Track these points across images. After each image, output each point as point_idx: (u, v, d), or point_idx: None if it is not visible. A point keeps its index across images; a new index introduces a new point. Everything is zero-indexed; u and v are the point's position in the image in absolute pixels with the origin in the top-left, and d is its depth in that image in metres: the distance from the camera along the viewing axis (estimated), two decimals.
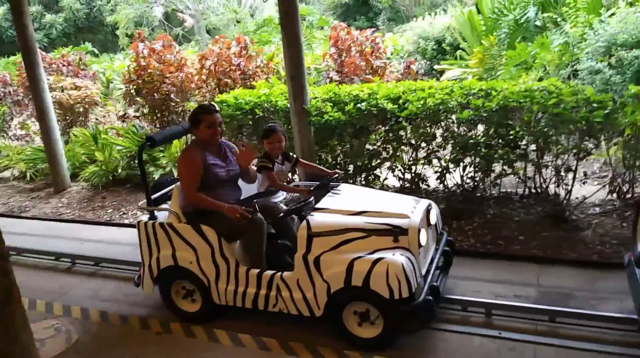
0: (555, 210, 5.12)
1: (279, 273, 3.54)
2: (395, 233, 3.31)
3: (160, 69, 8.90)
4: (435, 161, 5.60)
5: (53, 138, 7.84)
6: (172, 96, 8.90)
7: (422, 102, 5.26)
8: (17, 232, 6.25)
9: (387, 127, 5.55)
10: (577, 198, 5.37)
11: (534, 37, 8.86)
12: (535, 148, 5.17)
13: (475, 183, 5.60)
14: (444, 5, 17.52)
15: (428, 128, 5.43)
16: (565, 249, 4.60)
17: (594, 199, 5.43)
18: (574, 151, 4.95)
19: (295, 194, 4.23)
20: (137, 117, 9.61)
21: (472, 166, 5.47)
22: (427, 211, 3.63)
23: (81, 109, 10.41)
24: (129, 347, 3.79)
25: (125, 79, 9.36)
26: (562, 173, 5.09)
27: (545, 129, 4.90)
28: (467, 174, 5.60)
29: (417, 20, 15.68)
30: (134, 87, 9.17)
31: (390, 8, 22.93)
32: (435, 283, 3.50)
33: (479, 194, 5.64)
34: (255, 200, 3.97)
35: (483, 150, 5.21)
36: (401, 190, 5.82)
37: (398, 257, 3.20)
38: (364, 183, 5.91)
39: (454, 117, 5.33)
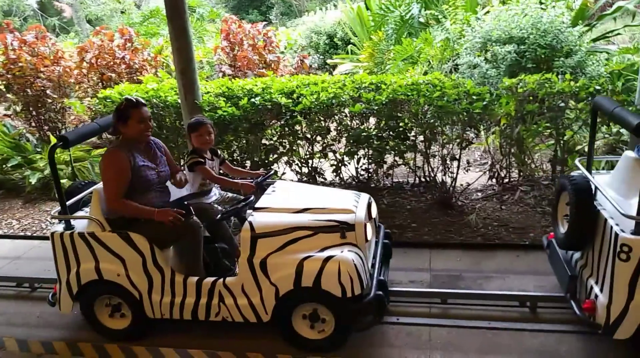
0: (443, 197, 5.42)
1: (221, 280, 3.32)
2: (342, 229, 3.22)
3: (33, 62, 8.12)
4: (330, 155, 5.68)
5: None
6: (48, 91, 8.16)
7: (315, 96, 5.31)
8: None
9: (282, 122, 5.52)
10: (461, 184, 5.72)
11: (418, 33, 9.32)
12: (423, 139, 5.42)
13: (370, 175, 5.77)
14: (334, 0, 17.85)
15: (322, 122, 5.49)
16: (453, 233, 4.89)
17: (477, 185, 5.83)
18: (458, 140, 5.27)
19: (228, 195, 4.00)
20: (8, 116, 8.69)
21: (366, 158, 5.63)
22: (369, 205, 3.57)
23: None
24: None
25: None
26: (448, 162, 5.39)
27: (432, 121, 5.15)
28: (361, 166, 5.75)
29: (309, 14, 15.84)
30: (4, 82, 8.28)
31: (282, 2, 22.92)
32: (382, 278, 3.43)
33: (373, 185, 5.82)
34: (186, 202, 3.68)
35: (375, 142, 5.38)
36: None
37: (348, 254, 3.12)
38: None
39: (346, 110, 5.43)
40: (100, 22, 21.70)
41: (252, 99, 5.39)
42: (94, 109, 5.99)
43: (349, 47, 12.16)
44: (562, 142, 5.22)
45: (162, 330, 3.68)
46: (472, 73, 7.00)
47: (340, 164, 5.67)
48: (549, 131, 5.22)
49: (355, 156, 5.59)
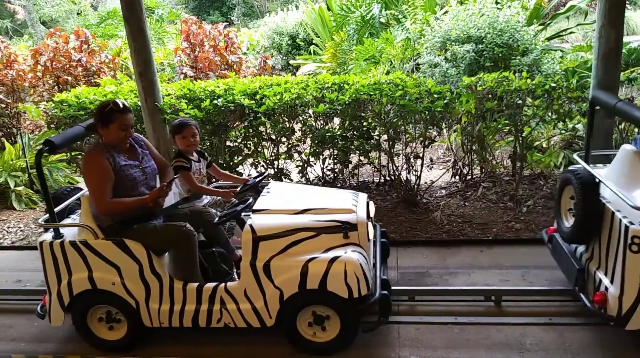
0: (408, 195, 5.48)
1: (222, 285, 3.23)
2: (345, 230, 3.17)
3: None
4: (296, 155, 5.67)
5: None
6: (1, 96, 7.85)
7: (278, 97, 5.28)
8: None
9: (246, 124, 5.47)
10: (425, 182, 5.80)
11: (379, 33, 9.40)
12: (386, 138, 5.47)
13: (335, 174, 5.79)
14: (296, 1, 17.84)
15: (287, 123, 5.47)
16: (419, 231, 4.95)
17: (441, 182, 5.93)
18: (421, 139, 5.34)
19: (218, 197, 3.89)
20: None
21: (331, 158, 5.64)
22: (367, 204, 3.53)
23: None
24: None
25: None
26: (412, 160, 5.46)
27: (395, 120, 5.20)
28: (327, 167, 5.75)
29: (270, 15, 15.77)
30: None
31: (244, 3, 22.76)
32: (384, 277, 3.40)
33: (339, 185, 5.83)
34: (180, 206, 3.58)
35: (340, 142, 5.40)
36: None
37: (353, 254, 3.08)
38: None
39: (310, 111, 5.43)
40: (55, 24, 21.00)
41: (215, 101, 5.32)
42: (50, 113, 5.78)
43: (312, 47, 12.17)
44: (520, 138, 5.36)
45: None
46: (432, 72, 7.11)
47: (305, 165, 5.66)
48: (508, 127, 5.35)
49: (321, 157, 5.59)
